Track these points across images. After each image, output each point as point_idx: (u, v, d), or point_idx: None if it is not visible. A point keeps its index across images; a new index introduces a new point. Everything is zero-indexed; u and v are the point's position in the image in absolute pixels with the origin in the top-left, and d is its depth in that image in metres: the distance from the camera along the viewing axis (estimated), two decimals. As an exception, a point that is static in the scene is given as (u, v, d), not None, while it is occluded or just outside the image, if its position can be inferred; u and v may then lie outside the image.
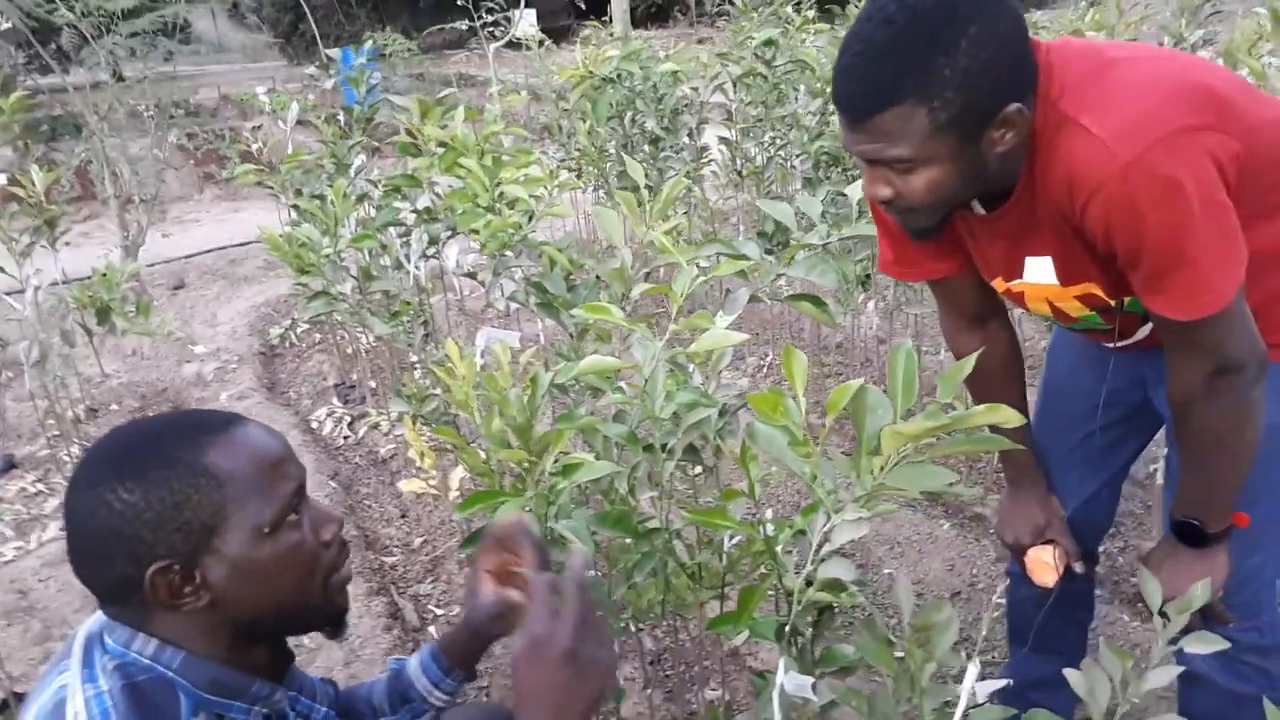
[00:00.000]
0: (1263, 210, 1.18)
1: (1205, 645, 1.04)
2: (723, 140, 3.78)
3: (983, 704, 1.04)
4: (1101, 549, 2.38)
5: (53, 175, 3.30)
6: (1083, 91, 1.08)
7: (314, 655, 2.19)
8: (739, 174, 3.84)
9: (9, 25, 4.38)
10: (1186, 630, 1.11)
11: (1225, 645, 1.04)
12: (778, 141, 3.71)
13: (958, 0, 1.03)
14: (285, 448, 1.00)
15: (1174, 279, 1.09)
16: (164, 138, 5.99)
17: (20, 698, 2.14)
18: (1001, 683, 0.96)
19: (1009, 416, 0.98)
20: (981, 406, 0.98)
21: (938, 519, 2.59)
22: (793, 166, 3.80)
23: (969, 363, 1.02)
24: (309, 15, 8.78)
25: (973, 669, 0.90)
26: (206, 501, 0.91)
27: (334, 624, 1.05)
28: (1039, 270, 1.24)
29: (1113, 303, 1.24)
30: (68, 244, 3.57)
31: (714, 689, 2.00)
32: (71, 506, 0.93)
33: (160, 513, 0.89)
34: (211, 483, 0.91)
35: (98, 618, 0.97)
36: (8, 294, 3.29)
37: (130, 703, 0.88)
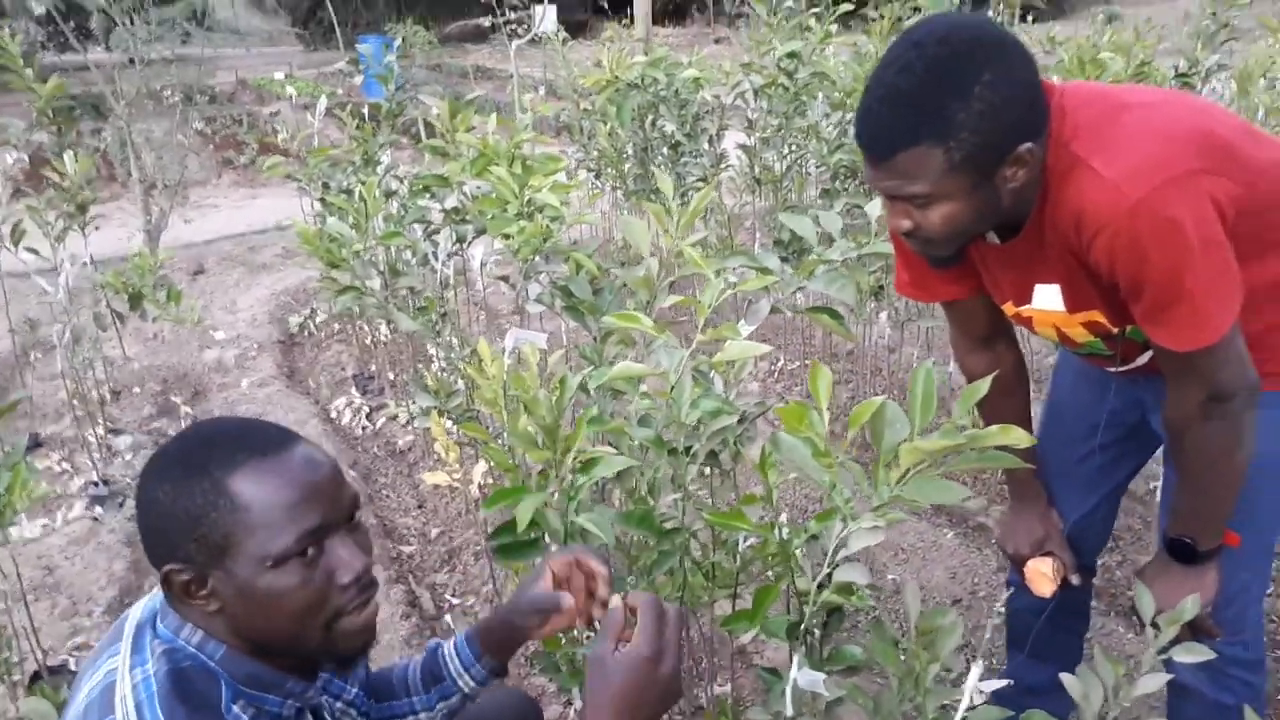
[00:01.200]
0: (1263, 246, 1.26)
1: (1193, 655, 1.11)
2: (742, 148, 3.85)
3: (982, 704, 1.11)
4: (1100, 562, 2.45)
5: (87, 161, 3.38)
6: (1093, 134, 1.16)
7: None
8: (757, 181, 3.91)
9: (43, 10, 4.45)
10: (1176, 641, 1.19)
11: (1211, 655, 1.12)
12: (796, 150, 3.78)
13: (972, 49, 1.11)
14: (322, 482, 0.99)
15: (1173, 312, 1.17)
16: (186, 122, 6.07)
17: (52, 670, 2.22)
18: (1002, 683, 1.03)
19: (1020, 437, 1.05)
20: (995, 427, 1.05)
21: (942, 527, 2.67)
22: (808, 174, 3.87)
23: (984, 385, 1.09)
24: (327, 2, 8.86)
25: (976, 669, 0.98)
26: (221, 522, 0.94)
27: (339, 663, 1.06)
28: (1047, 297, 1.31)
29: (1115, 330, 1.31)
30: (97, 227, 3.65)
31: (721, 685, 2.07)
32: (136, 490, 1.00)
33: (183, 521, 0.94)
34: (229, 505, 0.94)
35: (145, 605, 1.03)
36: (37, 273, 3.37)
37: (174, 687, 0.94)
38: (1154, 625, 1.15)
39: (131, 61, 5.52)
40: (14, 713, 1.84)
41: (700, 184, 3.82)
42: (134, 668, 0.96)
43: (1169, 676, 1.12)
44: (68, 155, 3.38)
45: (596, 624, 1.29)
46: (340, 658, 1.04)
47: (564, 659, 1.68)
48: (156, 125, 5.84)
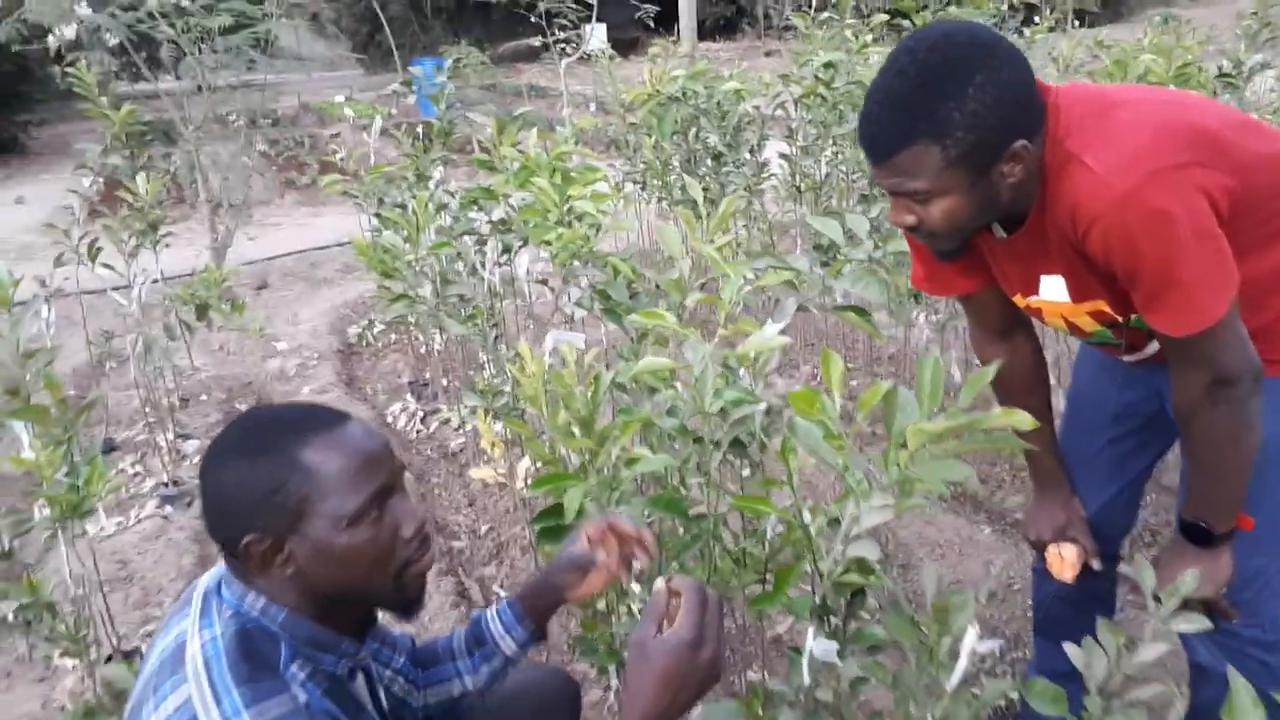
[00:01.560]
0: (1267, 237, 1.30)
1: (1191, 625, 1.16)
2: (783, 156, 3.93)
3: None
4: (1136, 555, 2.46)
5: (158, 183, 3.57)
6: (1085, 131, 1.22)
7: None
8: (798, 189, 3.98)
9: (117, 41, 4.70)
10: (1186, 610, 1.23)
11: (1208, 625, 1.16)
12: (837, 158, 3.84)
13: (964, 53, 1.18)
14: (380, 449, 1.11)
15: (1167, 299, 1.22)
16: (251, 145, 6.32)
17: (125, 654, 2.37)
18: (995, 642, 1.09)
19: (1022, 420, 1.11)
20: (999, 410, 1.12)
21: (979, 524, 2.70)
22: (852, 182, 3.92)
23: (990, 371, 1.16)
24: (386, 27, 9.12)
25: (972, 632, 1.04)
26: (296, 489, 1.04)
27: (404, 609, 1.17)
28: (1053, 288, 1.37)
29: (1121, 319, 1.36)
30: (167, 245, 3.85)
31: (755, 672, 2.13)
32: (202, 472, 1.11)
33: (260, 493, 1.04)
34: (302, 474, 1.05)
35: (213, 574, 1.14)
36: (112, 290, 3.57)
37: (239, 645, 1.04)
38: (1155, 598, 1.20)
39: (200, 89, 5.77)
40: (91, 689, 1.98)
41: (743, 193, 3.91)
42: (202, 629, 1.06)
43: (1168, 647, 1.17)
44: (140, 177, 3.58)
45: (629, 589, 1.37)
46: (406, 603, 1.15)
47: (601, 639, 1.76)
48: (223, 149, 6.09)
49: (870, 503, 1.25)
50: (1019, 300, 1.46)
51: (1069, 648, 1.21)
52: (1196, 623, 1.16)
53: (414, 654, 1.43)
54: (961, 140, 1.18)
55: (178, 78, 6.46)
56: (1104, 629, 1.20)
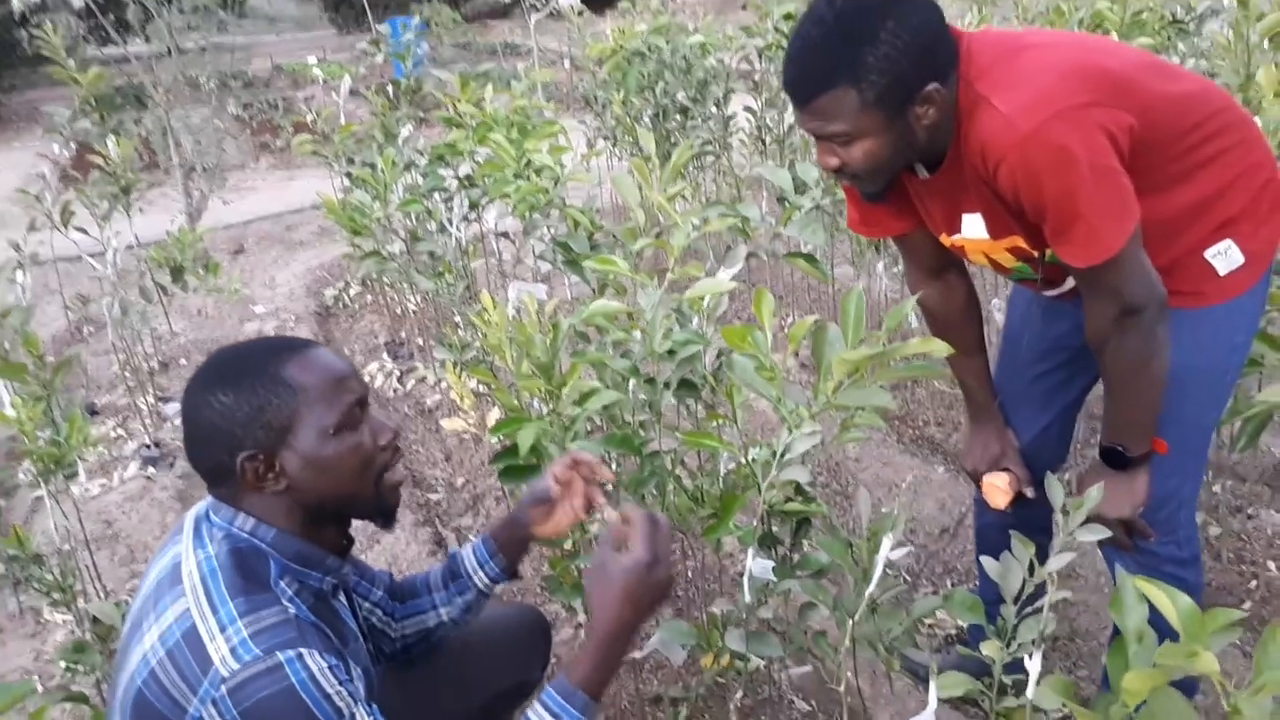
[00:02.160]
0: (1169, 178, 1.38)
1: (1093, 534, 1.26)
2: (748, 110, 3.97)
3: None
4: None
5: (129, 145, 3.59)
6: (994, 74, 1.29)
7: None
8: (763, 142, 4.03)
9: (82, 3, 4.67)
10: (1116, 545, 1.33)
11: (1108, 534, 1.26)
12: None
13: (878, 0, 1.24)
14: (350, 367, 1.22)
15: (1071, 233, 1.30)
16: (223, 108, 6.30)
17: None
18: (906, 549, 1.18)
19: (938, 348, 1.20)
20: (915, 339, 1.20)
21: (935, 464, 2.80)
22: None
23: (910, 302, 1.25)
24: (358, -14, 8.99)
25: (887, 541, 1.13)
26: (283, 406, 1.14)
27: (385, 516, 1.27)
28: (973, 225, 1.45)
29: (1037, 254, 1.45)
30: (141, 210, 3.88)
31: (715, 609, 2.23)
32: (185, 406, 1.19)
33: (248, 413, 1.13)
34: (288, 391, 1.15)
35: (202, 505, 1.22)
36: (88, 255, 3.60)
37: (232, 562, 1.13)
38: (1064, 511, 1.29)
39: (169, 51, 5.73)
40: (76, 635, 2.06)
41: (709, 146, 3.96)
42: (196, 550, 1.15)
43: (1073, 556, 1.26)
44: (110, 140, 3.60)
45: (596, 518, 1.46)
46: (386, 510, 1.25)
47: (565, 576, 1.85)
48: (194, 112, 6.06)
49: (801, 430, 1.33)
50: (944, 239, 1.54)
51: (986, 560, 1.31)
52: (1099, 533, 1.26)
53: (391, 589, 1.52)
54: (876, 83, 1.26)
55: (146, 40, 6.41)
56: (1017, 543, 1.30)
